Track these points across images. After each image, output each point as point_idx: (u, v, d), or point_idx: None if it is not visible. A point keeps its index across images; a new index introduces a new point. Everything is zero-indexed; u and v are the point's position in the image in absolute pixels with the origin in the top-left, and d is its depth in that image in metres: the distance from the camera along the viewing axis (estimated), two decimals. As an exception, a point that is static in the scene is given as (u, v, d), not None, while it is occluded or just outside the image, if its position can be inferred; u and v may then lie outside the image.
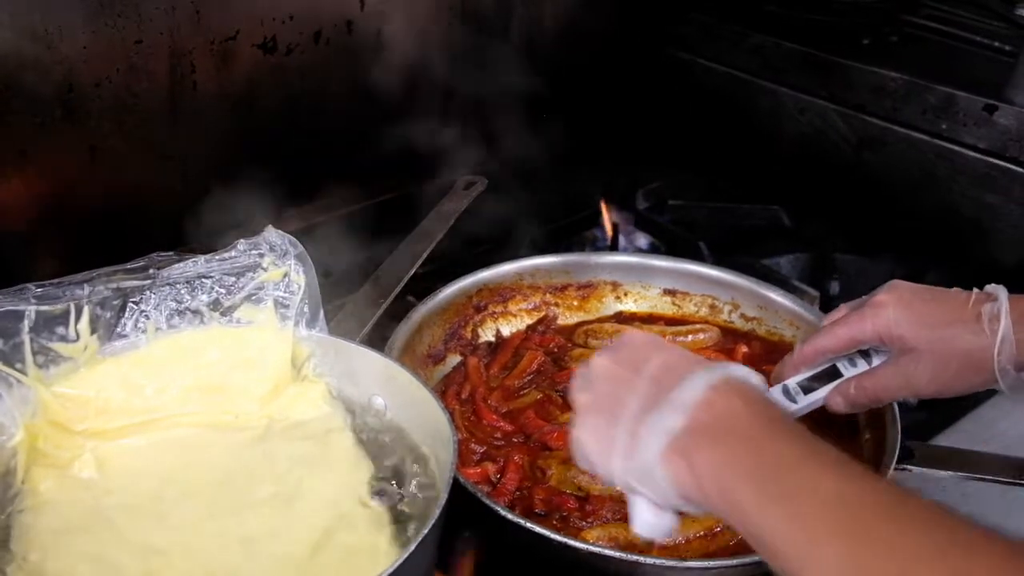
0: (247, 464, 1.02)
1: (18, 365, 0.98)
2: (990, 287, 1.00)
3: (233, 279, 1.08)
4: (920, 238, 1.75)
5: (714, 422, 0.74)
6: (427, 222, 1.43)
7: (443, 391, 1.29)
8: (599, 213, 1.81)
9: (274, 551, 0.91)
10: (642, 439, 0.77)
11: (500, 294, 1.42)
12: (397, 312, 1.29)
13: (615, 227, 1.78)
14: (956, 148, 1.69)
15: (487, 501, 0.99)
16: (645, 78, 2.16)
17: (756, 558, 0.97)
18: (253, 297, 1.08)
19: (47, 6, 1.31)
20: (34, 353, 0.98)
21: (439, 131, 1.89)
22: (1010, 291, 0.98)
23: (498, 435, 1.21)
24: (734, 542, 1.04)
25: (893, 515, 0.61)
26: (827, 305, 1.57)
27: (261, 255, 1.08)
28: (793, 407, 1.08)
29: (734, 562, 0.98)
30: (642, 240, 1.80)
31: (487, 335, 1.40)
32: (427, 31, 1.78)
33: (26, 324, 0.97)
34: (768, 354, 1.35)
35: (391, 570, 0.80)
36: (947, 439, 1.25)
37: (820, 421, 1.20)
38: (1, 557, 0.90)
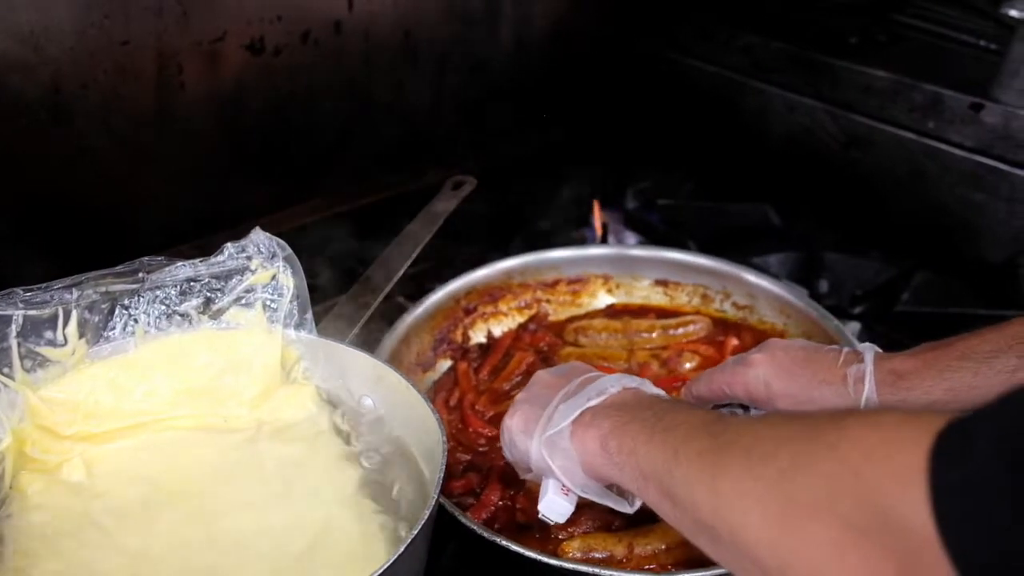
0: (237, 466, 1.02)
1: (5, 370, 0.97)
2: (861, 346, 1.01)
3: (222, 282, 1.08)
4: (908, 236, 1.75)
5: (620, 402, 0.90)
6: (416, 222, 1.43)
7: (432, 398, 1.28)
8: (588, 213, 1.81)
9: (264, 553, 0.91)
10: (559, 413, 0.93)
11: (490, 294, 1.41)
12: (387, 313, 1.29)
13: (604, 226, 1.79)
14: (943, 146, 1.70)
15: (463, 520, 1.00)
16: (634, 77, 2.17)
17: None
18: (242, 300, 1.08)
19: (33, 7, 1.30)
20: (22, 357, 0.98)
21: (428, 132, 1.89)
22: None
23: (482, 440, 1.21)
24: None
25: (727, 426, 0.75)
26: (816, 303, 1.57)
27: (249, 258, 1.08)
28: None
29: (710, 574, 0.98)
30: (631, 239, 1.81)
31: (478, 336, 1.40)
32: (415, 31, 1.78)
33: (13, 328, 0.97)
34: (758, 344, 1.34)
35: (382, 570, 0.80)
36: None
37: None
38: (-11, 562, 0.90)
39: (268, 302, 1.08)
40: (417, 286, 1.41)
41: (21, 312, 0.97)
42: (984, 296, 1.60)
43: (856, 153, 1.83)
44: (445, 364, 1.35)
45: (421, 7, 1.77)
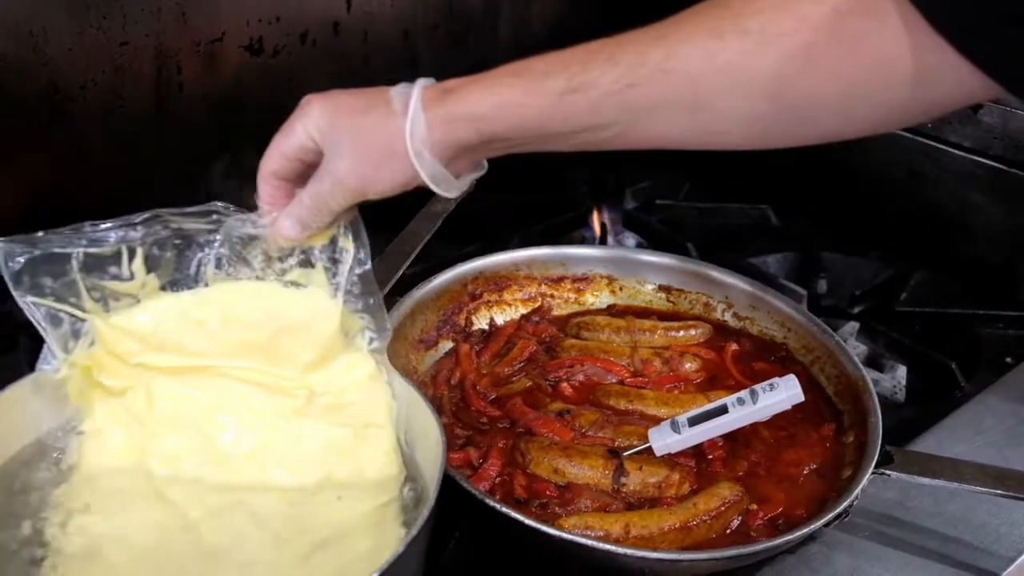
0: (281, 440, 1.02)
1: (73, 299, 0.98)
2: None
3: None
4: (906, 236, 1.76)
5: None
6: (415, 223, 1.43)
7: (433, 376, 1.29)
8: (587, 213, 1.81)
9: (279, 540, 0.93)
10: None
11: (496, 283, 1.42)
12: (385, 313, 1.29)
13: (603, 227, 1.79)
14: (941, 147, 1.70)
15: (465, 484, 1.00)
16: (632, 78, 2.16)
17: (729, 552, 0.99)
18: (304, 261, 1.05)
19: (32, 8, 1.30)
20: (88, 289, 0.98)
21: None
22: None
23: (484, 420, 1.21)
24: (708, 537, 1.05)
25: None
26: (814, 304, 1.58)
27: None
28: (677, 437, 1.10)
29: (705, 555, 1.00)
30: (630, 240, 1.81)
31: (481, 323, 1.40)
32: (413, 32, 1.78)
33: (75, 264, 0.97)
34: (758, 352, 1.36)
35: (382, 570, 0.79)
36: (933, 436, 1.26)
37: (808, 421, 1.21)
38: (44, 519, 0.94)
39: (328, 266, 1.05)
40: (415, 286, 1.41)
41: (82, 250, 0.98)
42: (982, 296, 1.61)
43: (854, 153, 1.84)
44: (447, 345, 1.36)
45: (420, 7, 1.77)
